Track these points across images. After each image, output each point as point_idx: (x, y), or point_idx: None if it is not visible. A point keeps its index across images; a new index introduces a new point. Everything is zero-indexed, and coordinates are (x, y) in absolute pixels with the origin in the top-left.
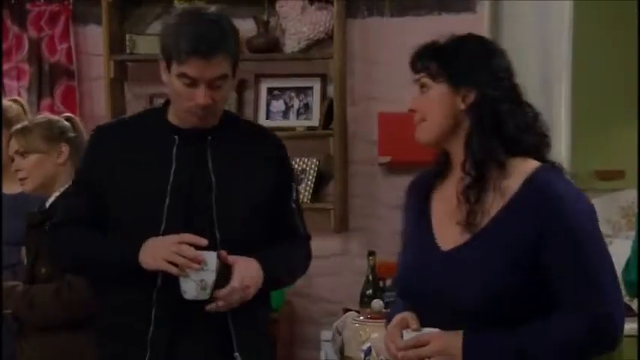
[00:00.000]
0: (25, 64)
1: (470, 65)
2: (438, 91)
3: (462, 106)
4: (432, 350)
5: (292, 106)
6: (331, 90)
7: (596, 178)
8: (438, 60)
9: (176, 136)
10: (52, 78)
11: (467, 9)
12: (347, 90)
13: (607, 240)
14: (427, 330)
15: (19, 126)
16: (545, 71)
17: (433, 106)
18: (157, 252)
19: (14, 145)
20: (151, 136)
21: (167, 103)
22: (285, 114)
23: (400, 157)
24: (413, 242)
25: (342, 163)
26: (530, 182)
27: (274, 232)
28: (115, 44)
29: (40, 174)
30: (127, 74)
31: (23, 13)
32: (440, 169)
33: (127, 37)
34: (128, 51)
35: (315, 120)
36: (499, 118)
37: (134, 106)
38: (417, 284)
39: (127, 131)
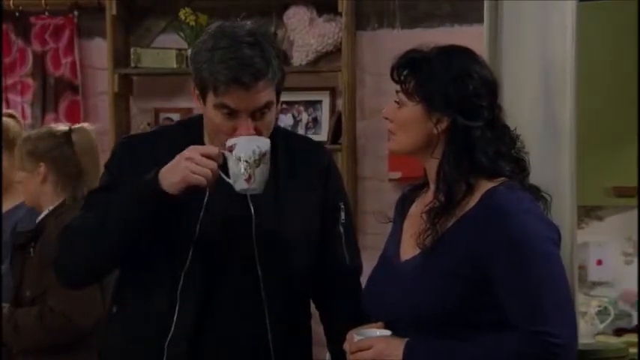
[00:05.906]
0: (29, 79)
1: (446, 90)
2: (412, 111)
3: (435, 131)
4: (373, 353)
5: (301, 120)
6: (340, 104)
7: (613, 194)
8: (416, 78)
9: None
10: (56, 92)
11: (479, 20)
12: (356, 104)
13: (628, 259)
14: (382, 332)
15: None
16: (548, 82)
17: (405, 124)
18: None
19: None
20: None
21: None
22: (294, 128)
23: (411, 173)
24: (384, 253)
25: (351, 178)
26: (484, 199)
27: (318, 261)
28: (120, 58)
29: (27, 192)
30: (131, 88)
31: (27, 26)
32: (423, 182)
33: (132, 50)
34: (133, 64)
35: (323, 134)
36: (472, 146)
37: (139, 120)
38: (372, 292)
39: (157, 147)
